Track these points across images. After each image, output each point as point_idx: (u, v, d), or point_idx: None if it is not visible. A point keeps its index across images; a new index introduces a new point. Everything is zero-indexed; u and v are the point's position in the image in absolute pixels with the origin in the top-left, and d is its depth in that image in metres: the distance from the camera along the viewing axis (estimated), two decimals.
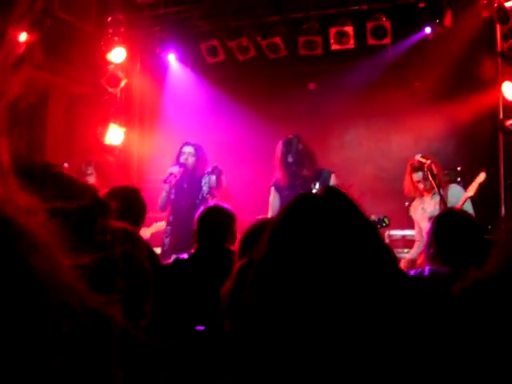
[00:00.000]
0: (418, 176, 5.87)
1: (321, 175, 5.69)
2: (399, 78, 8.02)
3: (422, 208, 5.98)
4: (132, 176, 8.70)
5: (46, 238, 0.85)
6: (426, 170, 5.67)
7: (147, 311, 2.45)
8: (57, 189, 1.67)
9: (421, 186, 5.89)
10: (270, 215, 5.53)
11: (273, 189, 5.87)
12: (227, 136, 7.99)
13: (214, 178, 5.94)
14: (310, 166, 5.67)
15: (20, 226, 0.81)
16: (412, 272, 3.22)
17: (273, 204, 5.78)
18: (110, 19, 8.29)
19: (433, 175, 5.61)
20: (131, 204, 4.04)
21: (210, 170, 5.99)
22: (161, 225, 6.52)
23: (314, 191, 5.54)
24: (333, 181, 5.65)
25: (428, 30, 7.50)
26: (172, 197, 6.14)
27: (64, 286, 0.84)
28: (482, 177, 5.73)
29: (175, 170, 6.05)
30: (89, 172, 6.62)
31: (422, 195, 5.99)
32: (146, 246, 3.03)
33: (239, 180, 7.28)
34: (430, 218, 5.48)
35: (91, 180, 6.64)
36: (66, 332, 0.82)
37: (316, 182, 5.63)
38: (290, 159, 5.68)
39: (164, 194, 6.12)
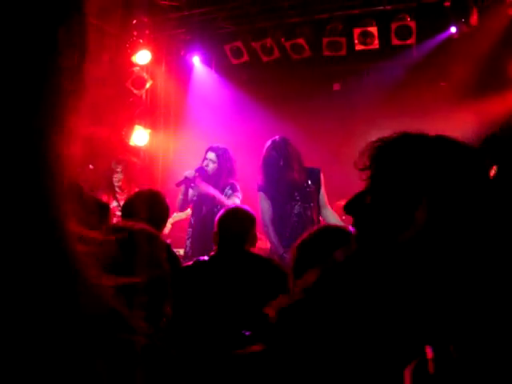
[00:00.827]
0: None
1: (312, 173, 5.62)
2: (424, 78, 7.95)
3: None
4: (157, 177, 8.75)
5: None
6: None
7: (167, 312, 2.46)
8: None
9: None
10: (264, 221, 5.45)
11: (262, 194, 5.66)
12: (251, 137, 7.98)
13: (230, 189, 5.98)
14: (299, 168, 5.58)
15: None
16: None
17: (265, 209, 5.60)
18: (134, 22, 8.34)
19: None
20: (155, 207, 4.09)
21: (228, 185, 6.01)
22: (181, 215, 6.55)
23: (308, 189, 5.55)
24: (322, 177, 5.62)
25: (453, 29, 7.42)
26: (194, 198, 6.15)
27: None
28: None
29: (190, 174, 6.06)
30: (118, 170, 6.79)
31: None
32: (167, 248, 3.05)
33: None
34: None
35: (119, 177, 6.78)
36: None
37: (308, 180, 5.57)
38: (281, 163, 5.61)
39: (180, 196, 6.14)
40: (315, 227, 2.61)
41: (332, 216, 5.56)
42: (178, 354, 2.35)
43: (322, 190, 5.59)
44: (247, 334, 2.24)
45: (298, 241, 2.53)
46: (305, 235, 2.51)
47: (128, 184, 6.93)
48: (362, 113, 8.33)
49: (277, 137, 5.76)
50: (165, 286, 2.51)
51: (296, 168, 5.51)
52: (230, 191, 5.98)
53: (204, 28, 8.24)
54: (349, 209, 1.29)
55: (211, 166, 6.11)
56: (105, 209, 3.97)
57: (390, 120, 8.35)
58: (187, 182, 6.06)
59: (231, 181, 6.09)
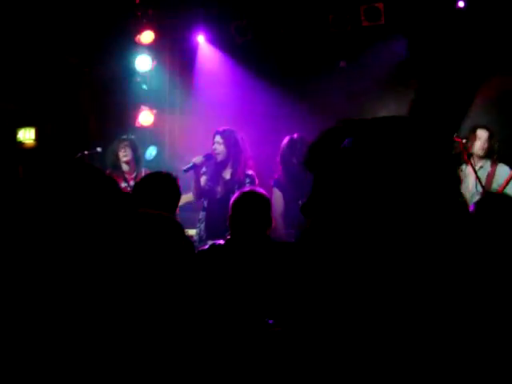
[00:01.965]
0: None
1: None
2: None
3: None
4: (163, 157, 8.74)
5: None
6: (462, 150, 5.54)
7: (183, 297, 2.48)
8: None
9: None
10: (277, 217, 5.46)
11: (276, 189, 5.83)
12: (259, 116, 7.96)
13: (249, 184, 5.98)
14: None
15: None
16: None
17: (278, 204, 5.70)
18: (138, 1, 8.28)
19: (469, 155, 5.48)
20: (166, 191, 4.08)
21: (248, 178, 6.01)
22: (189, 196, 6.51)
23: None
24: None
25: (461, 3, 7.35)
26: (209, 184, 6.13)
27: None
28: None
29: (198, 160, 6.04)
30: (124, 145, 6.68)
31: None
32: (182, 233, 3.05)
33: (272, 160, 7.26)
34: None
35: (126, 153, 6.67)
36: None
37: None
38: (295, 161, 5.69)
39: (193, 184, 6.09)
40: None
41: None
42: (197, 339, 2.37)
43: None
44: (270, 322, 2.26)
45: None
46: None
47: (136, 163, 6.83)
48: (368, 90, 8.28)
49: (295, 135, 5.83)
50: (180, 271, 2.52)
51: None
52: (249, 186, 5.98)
53: (208, 7, 8.17)
54: (305, 212, 1.26)
55: (220, 149, 6.09)
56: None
57: (395, 97, 8.33)
58: (196, 168, 6.03)
59: (249, 172, 6.05)
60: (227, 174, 6.12)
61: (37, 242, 1.46)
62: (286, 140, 5.87)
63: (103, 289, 1.62)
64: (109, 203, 1.61)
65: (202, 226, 6.04)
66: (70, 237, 1.50)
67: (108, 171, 6.43)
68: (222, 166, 6.10)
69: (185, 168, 6.01)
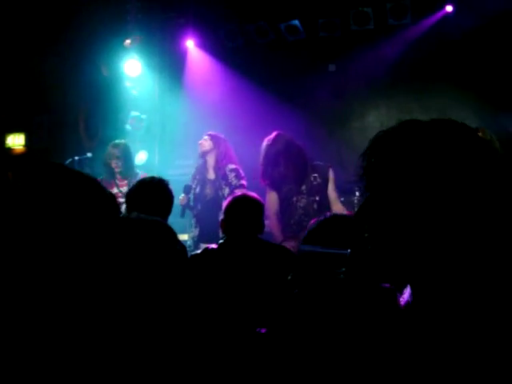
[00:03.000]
0: None
1: (319, 168, 5.66)
2: (420, 57, 7.94)
3: None
4: (154, 162, 8.73)
5: None
6: None
7: (177, 302, 2.48)
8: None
9: None
10: (268, 213, 5.45)
11: (268, 187, 5.71)
12: (249, 121, 7.97)
13: (235, 178, 6.02)
14: (298, 162, 5.61)
15: None
16: None
17: (271, 202, 5.62)
18: (127, 6, 8.28)
19: None
20: (159, 196, 4.08)
21: (233, 172, 6.04)
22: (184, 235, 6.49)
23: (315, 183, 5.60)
24: (331, 173, 5.65)
25: (449, 8, 7.41)
26: (197, 189, 6.20)
27: None
28: None
29: (183, 200, 6.11)
30: (117, 154, 6.56)
31: None
32: (175, 238, 3.04)
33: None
34: None
35: (119, 163, 6.55)
36: None
37: (314, 174, 5.62)
38: (280, 159, 5.58)
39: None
40: (323, 216, 2.59)
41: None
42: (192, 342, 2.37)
43: (331, 186, 5.61)
44: (263, 331, 2.25)
45: (307, 228, 2.52)
46: (312, 222, 2.50)
47: (128, 169, 6.70)
48: (357, 93, 8.33)
49: (273, 134, 5.74)
50: (174, 277, 2.52)
51: (294, 163, 5.54)
52: (235, 180, 6.01)
53: (198, 11, 8.18)
54: (360, 218, 1.24)
55: (208, 145, 6.18)
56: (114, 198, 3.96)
57: (385, 100, 8.39)
58: (186, 206, 6.14)
59: (232, 166, 6.10)
60: (211, 175, 6.18)
61: (24, 248, 1.46)
62: (265, 141, 5.77)
63: (97, 294, 1.62)
64: (97, 209, 1.61)
65: (196, 230, 6.08)
66: (58, 242, 1.49)
67: (101, 177, 6.38)
68: (204, 167, 6.21)
69: (181, 214, 6.04)
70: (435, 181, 1.13)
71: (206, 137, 6.29)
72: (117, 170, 6.57)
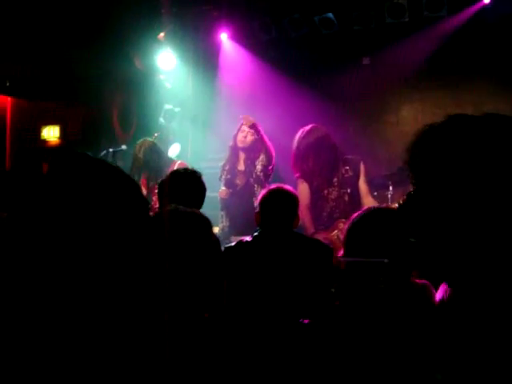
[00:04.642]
0: None
1: (351, 161, 5.66)
2: (456, 50, 7.83)
3: None
4: (186, 155, 8.75)
5: None
6: None
7: (215, 295, 2.48)
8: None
9: None
10: (301, 207, 5.43)
11: (300, 179, 5.73)
12: (283, 114, 7.95)
13: (265, 158, 5.99)
14: (330, 155, 5.61)
15: None
16: None
17: (304, 195, 5.59)
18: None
19: None
20: (192, 187, 4.09)
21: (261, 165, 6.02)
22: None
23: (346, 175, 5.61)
24: (362, 166, 5.66)
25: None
26: (229, 176, 6.17)
27: None
28: None
29: (223, 193, 6.13)
30: (140, 156, 6.29)
31: None
32: (211, 230, 3.05)
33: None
34: None
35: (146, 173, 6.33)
36: None
37: (346, 167, 5.62)
38: (312, 152, 5.61)
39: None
40: (365, 208, 2.57)
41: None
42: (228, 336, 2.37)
43: (362, 179, 5.64)
44: (305, 322, 2.25)
45: (349, 221, 2.51)
46: (355, 215, 2.49)
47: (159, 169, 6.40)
48: (391, 87, 8.25)
49: (309, 126, 5.74)
50: (213, 269, 2.53)
51: (323, 158, 5.55)
52: (262, 174, 5.98)
53: (232, 4, 8.17)
54: (405, 212, 1.22)
55: (249, 139, 6.11)
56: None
57: (419, 93, 8.29)
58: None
59: (264, 158, 6.04)
60: (241, 166, 6.15)
61: (57, 240, 1.46)
62: (299, 133, 5.77)
63: (132, 285, 1.62)
64: (131, 203, 1.61)
65: (226, 222, 6.06)
66: (92, 236, 1.50)
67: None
68: (236, 157, 6.17)
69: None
70: (484, 178, 1.10)
71: (248, 129, 6.15)
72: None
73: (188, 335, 2.03)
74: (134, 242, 1.56)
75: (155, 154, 6.33)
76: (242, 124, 6.15)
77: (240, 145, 6.12)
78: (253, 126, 6.09)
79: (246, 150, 6.11)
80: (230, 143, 6.24)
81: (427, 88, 8.15)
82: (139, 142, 6.47)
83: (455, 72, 7.80)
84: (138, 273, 1.60)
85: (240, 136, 6.13)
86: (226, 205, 6.11)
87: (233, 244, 3.69)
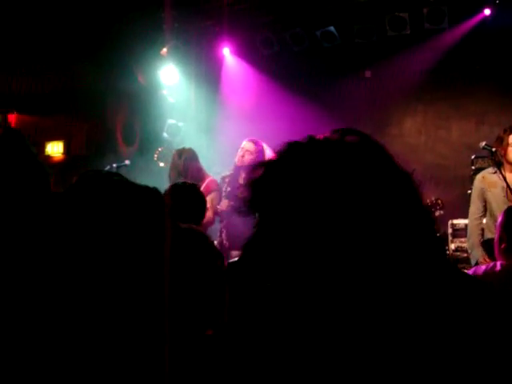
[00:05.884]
0: None
1: None
2: (458, 62, 7.84)
3: None
4: None
5: None
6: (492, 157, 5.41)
7: (220, 311, 2.48)
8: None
9: None
10: None
11: None
12: (285, 127, 7.95)
13: None
14: None
15: None
16: (483, 267, 3.13)
17: None
18: (163, 15, 8.35)
19: (498, 164, 5.32)
20: (192, 201, 4.08)
21: None
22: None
23: None
24: None
25: (487, 11, 7.32)
26: (229, 188, 6.20)
27: None
28: None
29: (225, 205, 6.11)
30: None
31: None
32: (212, 246, 3.04)
33: None
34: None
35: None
36: None
37: None
38: None
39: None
40: None
41: None
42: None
43: None
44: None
45: None
46: None
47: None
48: (394, 99, 8.27)
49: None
50: (216, 285, 2.52)
51: None
52: None
53: (233, 19, 8.21)
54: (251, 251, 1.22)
55: (247, 157, 6.12)
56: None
57: (422, 106, 8.30)
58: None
59: None
60: (241, 181, 6.17)
61: (69, 255, 1.48)
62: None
63: (132, 301, 1.63)
64: (142, 217, 1.62)
65: (223, 235, 6.08)
66: (102, 249, 1.51)
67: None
68: (238, 173, 6.18)
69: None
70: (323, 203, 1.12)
71: (249, 147, 6.19)
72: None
73: (187, 351, 2.03)
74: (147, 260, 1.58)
75: (195, 162, 6.39)
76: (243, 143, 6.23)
77: (238, 164, 6.17)
78: (251, 146, 6.14)
79: (245, 169, 6.13)
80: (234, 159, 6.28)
81: (430, 100, 8.17)
82: (179, 148, 6.54)
83: (457, 83, 7.81)
84: (141, 290, 1.61)
85: (238, 155, 6.19)
86: (227, 217, 6.12)
87: (236, 259, 3.68)
